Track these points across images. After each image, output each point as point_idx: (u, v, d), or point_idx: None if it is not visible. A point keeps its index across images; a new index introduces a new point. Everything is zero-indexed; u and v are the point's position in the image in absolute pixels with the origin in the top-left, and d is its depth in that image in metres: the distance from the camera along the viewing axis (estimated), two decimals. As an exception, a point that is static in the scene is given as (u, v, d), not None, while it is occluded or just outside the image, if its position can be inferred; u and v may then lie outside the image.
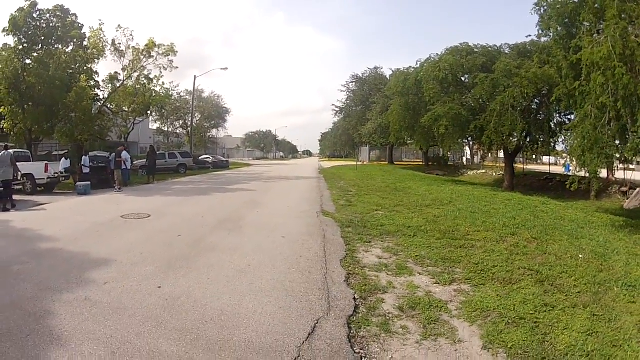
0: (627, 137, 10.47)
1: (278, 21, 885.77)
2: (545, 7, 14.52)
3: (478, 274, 6.18)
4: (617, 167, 20.91)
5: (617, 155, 11.08)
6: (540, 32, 15.22)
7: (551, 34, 14.49)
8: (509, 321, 4.52)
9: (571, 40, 12.15)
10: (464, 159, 50.41)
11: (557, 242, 8.22)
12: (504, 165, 27.82)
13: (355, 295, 5.32)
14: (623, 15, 10.41)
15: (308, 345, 4.01)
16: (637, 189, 18.69)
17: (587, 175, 12.06)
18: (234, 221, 10.89)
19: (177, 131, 58.45)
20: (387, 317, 4.68)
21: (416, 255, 7.14)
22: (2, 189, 14.43)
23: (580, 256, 7.29)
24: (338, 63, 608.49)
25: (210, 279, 6.01)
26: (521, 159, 32.65)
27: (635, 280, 6.01)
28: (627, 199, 18.81)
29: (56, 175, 20.18)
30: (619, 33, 9.85)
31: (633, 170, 22.45)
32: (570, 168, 20.15)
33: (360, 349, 3.99)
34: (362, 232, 9.06)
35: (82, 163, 20.75)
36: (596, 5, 11.53)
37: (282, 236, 8.91)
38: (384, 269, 6.46)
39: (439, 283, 5.83)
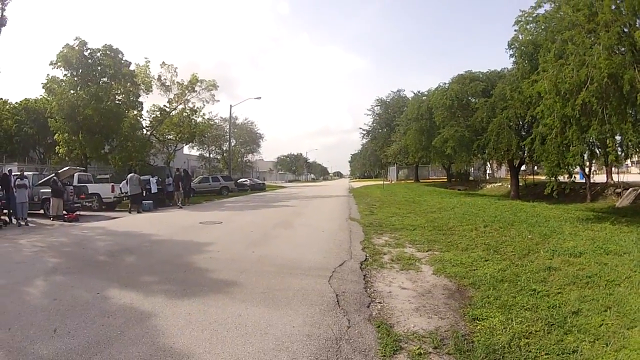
0: (570, 147, 13.00)
1: (303, 41, 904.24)
2: (514, 49, 18.19)
3: (447, 246, 9.59)
4: (617, 172, 23.27)
5: (562, 162, 13.25)
6: (513, 66, 18.85)
7: (519, 69, 18.07)
8: (453, 264, 7.85)
9: (534, 73, 15.10)
10: (487, 174, 51.94)
11: (516, 229, 11.27)
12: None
13: (367, 254, 8.97)
14: (564, 55, 13.20)
15: (339, 268, 7.80)
16: (630, 189, 20.11)
17: (566, 179, 14.22)
18: (286, 224, 14.80)
19: (217, 157, 62.83)
20: (383, 262, 8.28)
21: (411, 239, 10.66)
22: (131, 199, 21.05)
23: (529, 236, 10.26)
24: (365, 81, 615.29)
25: (281, 249, 9.96)
26: (538, 170, 35.23)
27: (562, 248, 8.57)
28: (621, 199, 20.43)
29: (121, 195, 23.68)
30: (555, 70, 12.88)
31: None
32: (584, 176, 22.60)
33: (365, 272, 7.62)
34: (377, 229, 12.60)
35: (147, 184, 23.80)
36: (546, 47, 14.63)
37: (322, 231, 12.78)
38: (387, 245, 10.05)
39: (420, 251, 9.32)
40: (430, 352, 4.25)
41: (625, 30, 11.90)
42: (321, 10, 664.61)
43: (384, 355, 4.18)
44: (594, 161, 14.57)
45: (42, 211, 19.00)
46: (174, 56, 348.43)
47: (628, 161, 19.80)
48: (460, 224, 12.69)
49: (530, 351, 4.18)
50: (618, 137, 12.82)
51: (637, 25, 11.86)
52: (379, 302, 5.88)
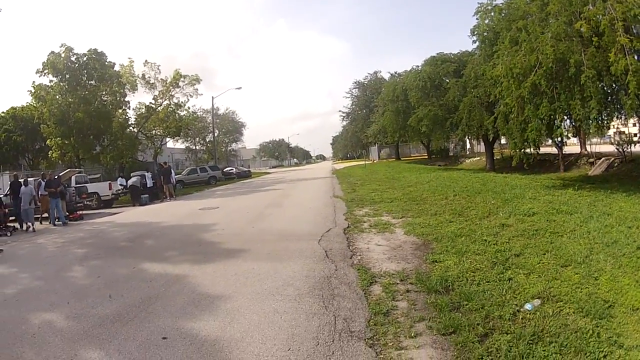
0: (529, 124, 14.31)
1: (280, 28, 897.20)
2: (477, 35, 19.73)
3: (419, 213, 11.09)
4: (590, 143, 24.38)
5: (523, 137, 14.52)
6: (477, 50, 20.36)
7: (481, 54, 19.58)
8: (422, 226, 9.32)
9: (494, 57, 16.68)
10: (466, 149, 53.07)
11: (482, 197, 12.76)
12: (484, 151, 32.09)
13: (349, 223, 10.53)
14: (518, 42, 14.52)
15: (327, 233, 9.38)
16: (602, 159, 20.99)
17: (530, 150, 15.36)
18: (277, 204, 16.39)
19: (202, 148, 63.84)
20: (363, 228, 9.83)
21: (388, 210, 12.17)
22: (129, 192, 23.15)
23: (492, 201, 11.72)
24: (344, 65, 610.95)
25: (277, 223, 11.61)
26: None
27: (519, 210, 9.79)
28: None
29: (118, 192, 25.16)
30: (510, 56, 14.38)
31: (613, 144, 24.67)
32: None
33: (348, 235, 9.19)
34: (358, 203, 14.10)
35: (144, 179, 25.05)
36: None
37: (309, 207, 14.38)
38: (367, 215, 11.56)
39: (395, 218, 10.83)
40: (397, 283, 5.74)
41: (573, 19, 12.99)
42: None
43: (363, 285, 5.71)
44: (567, 133, 15.79)
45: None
46: (150, 50, 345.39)
47: (610, 131, 20.87)
48: (433, 195, 14.15)
49: (474, 280, 5.54)
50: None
51: (587, 12, 12.71)
52: (359, 255, 7.40)
